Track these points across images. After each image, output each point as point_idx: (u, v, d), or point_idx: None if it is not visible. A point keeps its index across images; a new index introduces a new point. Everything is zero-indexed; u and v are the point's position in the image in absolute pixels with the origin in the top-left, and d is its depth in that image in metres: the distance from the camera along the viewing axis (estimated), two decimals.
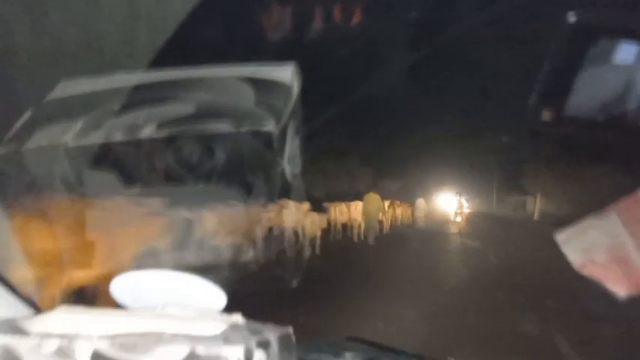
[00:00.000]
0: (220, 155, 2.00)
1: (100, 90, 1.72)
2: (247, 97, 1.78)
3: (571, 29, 1.55)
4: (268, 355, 0.96)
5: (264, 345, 0.95)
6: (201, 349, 0.85)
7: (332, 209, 9.98)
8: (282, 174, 1.86)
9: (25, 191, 1.81)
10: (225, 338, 0.90)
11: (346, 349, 1.59)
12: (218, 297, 1.22)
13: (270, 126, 1.81)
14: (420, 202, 15.35)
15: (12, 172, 1.75)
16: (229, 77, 1.82)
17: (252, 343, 0.91)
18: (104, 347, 0.85)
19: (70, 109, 1.72)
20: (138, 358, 0.84)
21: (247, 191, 2.14)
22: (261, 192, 2.14)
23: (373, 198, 10.61)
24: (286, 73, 1.79)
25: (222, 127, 1.84)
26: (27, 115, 1.71)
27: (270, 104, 1.80)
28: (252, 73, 1.79)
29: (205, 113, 1.79)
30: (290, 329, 1.19)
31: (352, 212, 10.49)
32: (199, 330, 0.93)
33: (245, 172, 2.06)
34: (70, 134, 1.75)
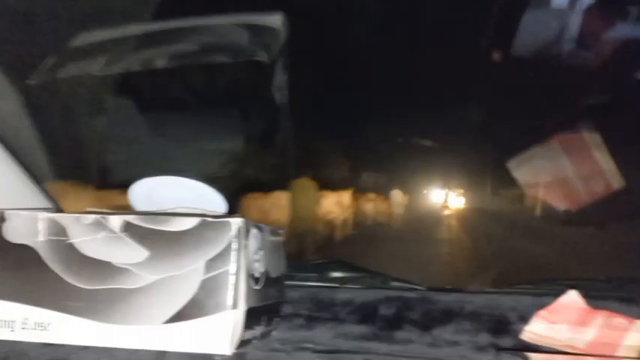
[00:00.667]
0: (222, 83, 2.34)
1: (118, 37, 2.06)
2: (242, 37, 2.10)
3: None
4: (262, 234, 1.21)
5: (258, 227, 1.19)
6: (210, 219, 1.08)
7: None
8: (272, 99, 2.20)
9: (59, 118, 2.14)
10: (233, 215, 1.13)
11: (332, 270, 1.79)
12: (220, 203, 1.51)
13: (262, 57, 2.13)
14: (396, 195, 12.08)
15: (46, 100, 2.08)
16: (227, 24, 2.14)
17: (250, 222, 1.14)
18: (133, 219, 1.07)
19: (93, 50, 2.04)
20: (159, 226, 1.07)
21: (244, 113, 2.46)
22: (256, 112, 2.48)
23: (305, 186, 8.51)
24: (275, 20, 2.12)
25: (222, 58, 2.16)
26: (52, 57, 2.04)
27: (262, 42, 2.12)
28: (247, 20, 2.11)
29: (208, 49, 2.10)
30: (282, 230, 1.47)
31: None
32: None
33: (242, 96, 2.40)
34: (94, 67, 2.08)
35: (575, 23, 1.87)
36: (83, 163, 2.36)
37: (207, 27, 2.13)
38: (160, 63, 2.08)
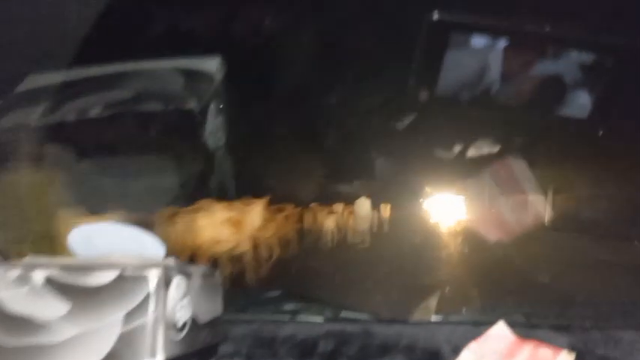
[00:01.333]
0: (154, 130, 2.38)
1: (60, 81, 2.10)
2: (177, 83, 2.16)
3: (435, 24, 1.91)
4: (190, 283, 1.22)
5: (186, 274, 1.21)
6: (128, 271, 1.11)
7: None
8: (205, 145, 2.25)
9: None
10: (153, 267, 1.14)
11: (283, 302, 1.82)
12: (158, 247, 1.53)
13: (192, 105, 2.18)
14: (362, 204, 10.37)
15: None
16: (163, 69, 2.20)
17: (174, 270, 1.17)
18: (54, 273, 1.11)
19: (34, 97, 2.07)
20: (80, 280, 1.10)
21: (177, 159, 2.51)
22: (188, 159, 2.52)
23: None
24: (211, 65, 2.18)
25: (154, 106, 2.21)
26: None
27: (195, 89, 2.17)
28: (183, 65, 2.17)
29: (141, 97, 2.15)
30: (217, 271, 1.50)
31: None
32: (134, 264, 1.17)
33: (174, 143, 2.45)
34: (33, 117, 2.11)
35: (496, 63, 1.98)
36: (24, 210, 2.36)
37: (143, 72, 2.18)
38: (95, 112, 2.12)
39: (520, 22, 1.94)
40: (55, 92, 2.17)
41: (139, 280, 1.11)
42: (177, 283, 1.18)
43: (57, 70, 2.19)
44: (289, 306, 1.81)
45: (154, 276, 1.12)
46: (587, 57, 1.97)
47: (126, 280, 1.12)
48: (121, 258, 1.27)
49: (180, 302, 1.20)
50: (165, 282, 1.14)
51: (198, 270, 1.30)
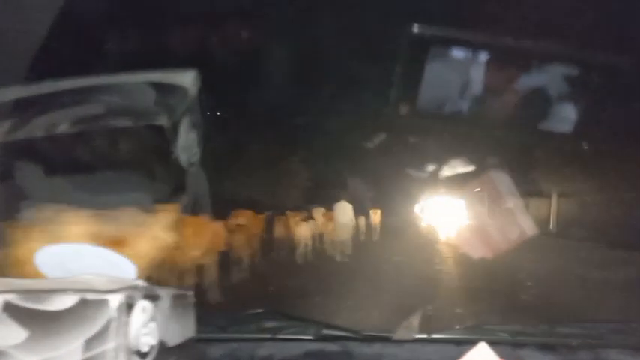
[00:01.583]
0: (124, 147, 2.33)
1: (27, 96, 2.03)
2: (149, 98, 2.10)
3: (415, 38, 1.89)
4: (157, 307, 1.18)
5: (152, 298, 1.17)
6: (90, 296, 1.06)
7: None
8: (177, 162, 2.20)
9: None
10: (115, 290, 1.10)
11: (264, 320, 1.83)
12: (129, 267, 1.48)
13: (162, 121, 2.13)
14: (343, 209, 9.51)
15: None
16: (137, 82, 2.14)
17: (138, 293, 1.12)
18: (13, 298, 1.05)
19: (1, 112, 2.01)
20: (39, 305, 1.05)
21: (150, 176, 2.46)
22: (160, 175, 2.47)
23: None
24: (186, 78, 2.13)
25: (124, 122, 2.16)
26: None
27: (166, 103, 2.12)
28: (157, 78, 2.12)
29: (112, 112, 2.10)
30: (190, 292, 1.45)
31: None
32: (99, 287, 1.14)
33: (145, 159, 2.40)
34: (0, 132, 2.05)
35: (478, 77, 1.96)
36: None
37: (116, 86, 2.13)
38: (64, 128, 2.06)
39: (501, 36, 1.92)
40: (22, 107, 2.11)
41: (101, 304, 1.07)
42: (142, 306, 1.14)
43: (21, 85, 2.12)
44: (270, 324, 1.79)
45: (115, 300, 1.07)
46: (571, 71, 1.95)
47: (87, 305, 1.07)
48: (88, 279, 1.22)
49: (146, 326, 1.16)
50: (128, 306, 1.09)
51: (167, 292, 1.26)
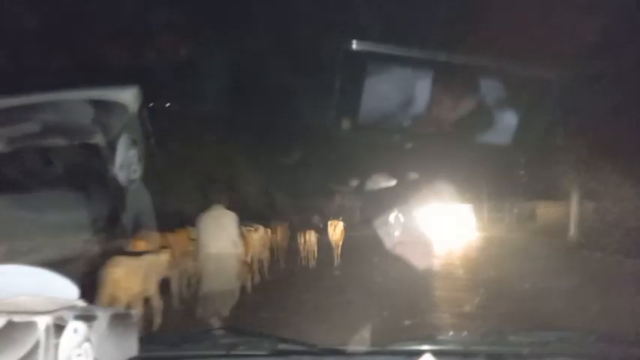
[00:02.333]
0: (59, 165, 2.29)
1: None
2: (86, 115, 2.07)
3: (353, 54, 1.91)
4: (92, 328, 1.16)
5: (87, 318, 1.15)
6: (17, 318, 1.04)
7: None
8: (114, 180, 2.17)
9: None
10: (45, 312, 1.08)
11: (218, 337, 1.83)
12: (69, 288, 1.44)
13: (97, 139, 2.10)
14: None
15: None
16: (75, 100, 2.11)
17: (69, 315, 1.10)
18: None
19: None
20: None
21: (86, 194, 2.42)
22: (98, 194, 2.44)
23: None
24: (126, 95, 2.11)
25: (58, 141, 2.12)
26: None
27: (103, 121, 2.10)
28: (97, 95, 2.09)
29: (47, 130, 2.06)
30: (132, 312, 1.43)
31: None
32: (32, 309, 1.11)
33: (81, 178, 2.36)
34: None
35: (422, 93, 1.99)
36: None
37: (53, 103, 2.09)
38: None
39: (444, 53, 1.96)
40: None
41: (28, 326, 1.04)
42: (74, 327, 1.11)
43: None
44: (225, 340, 1.77)
45: (43, 322, 1.05)
46: (511, 87, 2.01)
47: (14, 328, 1.04)
48: (22, 300, 1.18)
49: (79, 347, 1.12)
50: (58, 327, 1.07)
51: (106, 312, 1.23)
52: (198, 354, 1.71)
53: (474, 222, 16.00)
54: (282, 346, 1.75)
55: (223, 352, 1.71)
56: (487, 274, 7.32)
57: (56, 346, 1.06)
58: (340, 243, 8.90)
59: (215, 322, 3.84)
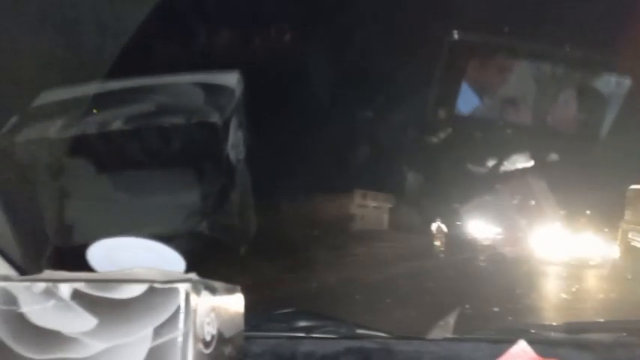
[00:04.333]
0: (176, 144, 2.39)
1: (76, 96, 2.11)
2: (198, 97, 2.17)
3: (455, 45, 1.92)
4: (215, 295, 1.21)
5: (211, 290, 1.21)
6: (158, 285, 1.09)
7: None
8: (227, 158, 2.25)
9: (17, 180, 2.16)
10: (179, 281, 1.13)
11: (297, 319, 1.83)
12: (178, 262, 1.53)
13: (214, 118, 2.19)
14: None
15: (5, 164, 2.10)
16: (183, 83, 2.21)
17: (201, 285, 1.16)
18: (81, 287, 1.10)
19: (51, 111, 2.08)
20: (108, 293, 1.09)
21: (199, 173, 2.51)
22: (210, 172, 2.53)
23: None
24: (231, 79, 2.19)
25: (176, 120, 2.22)
26: (13, 119, 2.08)
27: (216, 102, 2.18)
28: (203, 79, 2.19)
29: (163, 110, 2.16)
30: (238, 287, 1.50)
31: None
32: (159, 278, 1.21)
33: (196, 156, 2.46)
34: (52, 130, 2.12)
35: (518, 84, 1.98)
36: (43, 225, 2.36)
37: (164, 86, 2.19)
38: (117, 125, 2.13)
39: (540, 43, 1.94)
40: (75, 106, 2.18)
41: (169, 292, 1.10)
42: (205, 296, 1.17)
43: (72, 86, 2.20)
44: (302, 323, 1.81)
45: (183, 289, 1.10)
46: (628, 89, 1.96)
47: (155, 293, 1.10)
48: (142, 272, 1.26)
49: (208, 316, 1.19)
50: (195, 295, 1.13)
51: (221, 286, 1.28)
52: (277, 334, 1.75)
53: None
54: (359, 331, 1.77)
55: (303, 334, 1.75)
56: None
57: (195, 312, 1.11)
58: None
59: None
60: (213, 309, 1.22)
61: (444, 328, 1.87)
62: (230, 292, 1.38)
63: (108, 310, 1.10)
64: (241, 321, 1.42)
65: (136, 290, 1.11)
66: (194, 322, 1.11)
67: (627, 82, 1.99)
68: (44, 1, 1.89)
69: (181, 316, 1.09)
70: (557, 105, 2.02)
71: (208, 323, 1.19)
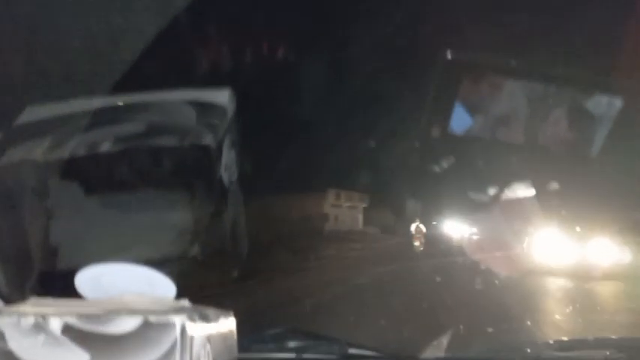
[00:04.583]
0: (168, 166, 2.35)
1: (63, 114, 2.05)
2: (190, 116, 2.13)
3: (448, 64, 1.92)
4: (209, 324, 1.17)
5: (205, 318, 1.17)
6: (153, 318, 1.05)
7: None
8: (220, 180, 2.22)
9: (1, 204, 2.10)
10: (173, 311, 1.11)
11: (287, 339, 1.82)
12: (169, 288, 1.50)
13: (208, 140, 2.15)
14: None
15: None
16: (175, 101, 2.17)
17: (195, 315, 1.12)
18: (73, 321, 1.04)
19: (37, 130, 2.03)
20: (100, 327, 1.04)
21: (191, 195, 2.47)
22: (203, 195, 2.49)
23: None
24: (223, 97, 2.15)
25: (169, 141, 2.18)
26: None
27: (209, 122, 2.15)
28: (195, 97, 2.15)
29: (154, 131, 2.12)
30: (231, 313, 1.47)
31: None
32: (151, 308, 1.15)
33: (188, 179, 2.42)
34: (38, 151, 2.06)
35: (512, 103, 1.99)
36: (28, 249, 2.30)
37: (155, 104, 2.15)
38: (106, 146, 2.08)
39: (535, 63, 1.94)
40: (62, 125, 2.13)
41: (165, 327, 1.06)
42: (200, 327, 1.13)
43: (59, 102, 2.14)
44: (293, 343, 1.78)
45: (179, 323, 1.06)
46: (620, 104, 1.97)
47: (150, 328, 1.06)
48: (133, 299, 1.23)
49: (203, 348, 1.16)
50: (190, 327, 1.09)
51: (214, 312, 1.25)
52: (268, 356, 1.74)
53: None
54: (351, 350, 1.75)
55: (293, 355, 1.73)
56: None
57: (191, 344, 1.08)
58: None
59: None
60: (208, 339, 1.18)
61: (437, 348, 1.85)
62: (223, 317, 1.35)
63: (101, 345, 1.05)
64: (234, 347, 1.38)
65: (129, 324, 1.07)
66: (191, 356, 1.08)
67: (618, 102, 2.00)
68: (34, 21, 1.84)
69: (177, 351, 1.06)
70: (548, 124, 2.02)
71: (204, 355, 1.15)
